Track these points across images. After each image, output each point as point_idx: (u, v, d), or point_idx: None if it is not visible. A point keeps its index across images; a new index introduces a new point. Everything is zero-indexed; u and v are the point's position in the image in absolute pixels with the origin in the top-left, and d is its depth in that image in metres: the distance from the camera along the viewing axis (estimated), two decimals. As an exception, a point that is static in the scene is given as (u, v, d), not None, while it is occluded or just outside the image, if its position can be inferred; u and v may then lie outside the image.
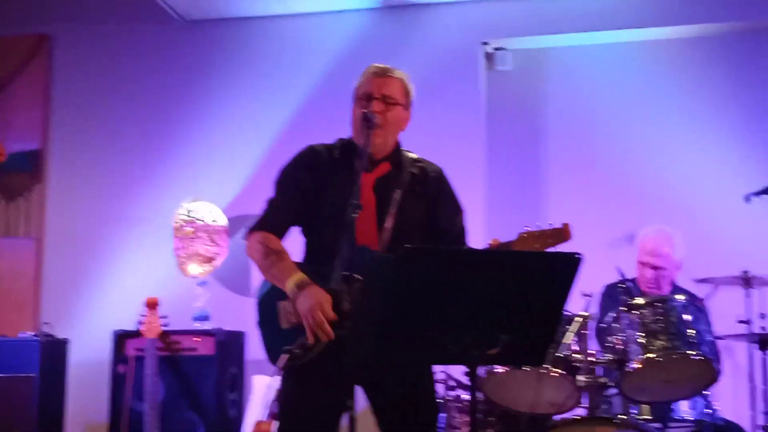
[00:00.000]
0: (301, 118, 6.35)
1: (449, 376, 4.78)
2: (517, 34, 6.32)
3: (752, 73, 6.05)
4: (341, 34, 6.44)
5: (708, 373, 4.15)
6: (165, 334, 5.41)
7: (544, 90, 6.39)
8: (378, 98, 3.41)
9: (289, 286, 3.24)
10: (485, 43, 6.36)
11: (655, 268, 5.07)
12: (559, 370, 4.19)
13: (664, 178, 6.01)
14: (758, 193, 5.15)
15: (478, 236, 5.87)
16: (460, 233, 3.53)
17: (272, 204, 3.51)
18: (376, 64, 3.52)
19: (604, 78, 6.27)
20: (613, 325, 4.29)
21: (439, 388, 4.71)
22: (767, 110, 5.98)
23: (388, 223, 3.35)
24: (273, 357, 3.32)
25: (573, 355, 4.22)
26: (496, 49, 6.40)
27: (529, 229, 3.42)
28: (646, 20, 6.10)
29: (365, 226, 3.30)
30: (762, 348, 4.67)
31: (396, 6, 6.41)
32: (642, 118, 6.14)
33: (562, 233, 3.36)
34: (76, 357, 6.04)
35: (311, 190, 3.44)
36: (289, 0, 6.35)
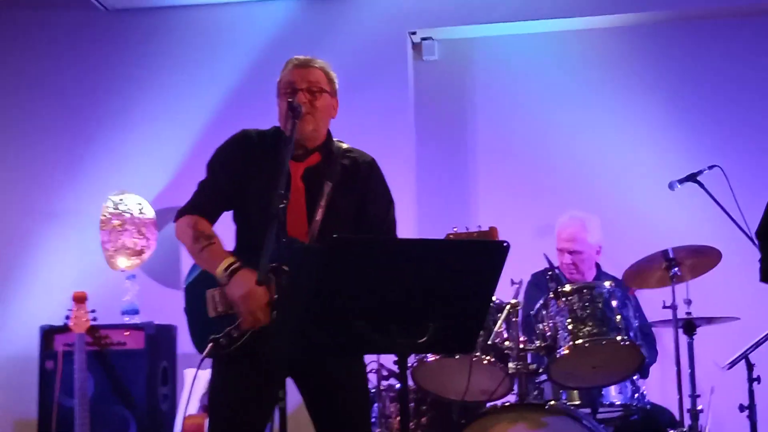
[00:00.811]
0: (228, 108, 6.29)
1: (382, 366, 4.78)
2: (444, 23, 6.33)
3: (674, 62, 6.14)
4: (268, 24, 6.39)
5: (635, 358, 4.22)
6: (93, 329, 5.33)
7: (471, 80, 6.42)
8: (303, 88, 3.40)
9: (219, 271, 3.22)
10: (412, 33, 6.37)
11: (572, 252, 5.15)
12: (490, 358, 4.22)
13: (591, 166, 6.08)
14: (682, 181, 5.24)
15: (407, 227, 5.93)
16: (390, 225, 3.53)
17: (203, 186, 3.49)
18: (297, 56, 3.52)
19: (530, 68, 6.32)
20: (541, 312, 4.33)
21: (372, 378, 4.72)
22: (690, 99, 6.08)
23: (318, 215, 3.34)
24: (199, 345, 3.30)
25: (503, 342, 4.26)
26: (423, 39, 6.41)
27: (456, 230, 3.44)
28: (571, 10, 6.15)
29: (295, 218, 3.28)
30: (687, 333, 4.75)
31: (323, -5, 6.41)
32: (568, 107, 6.21)
33: (489, 236, 3.39)
34: (3, 353, 5.94)
35: (242, 174, 3.42)
36: (216, -11, 6.31)
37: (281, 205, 2.99)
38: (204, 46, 6.45)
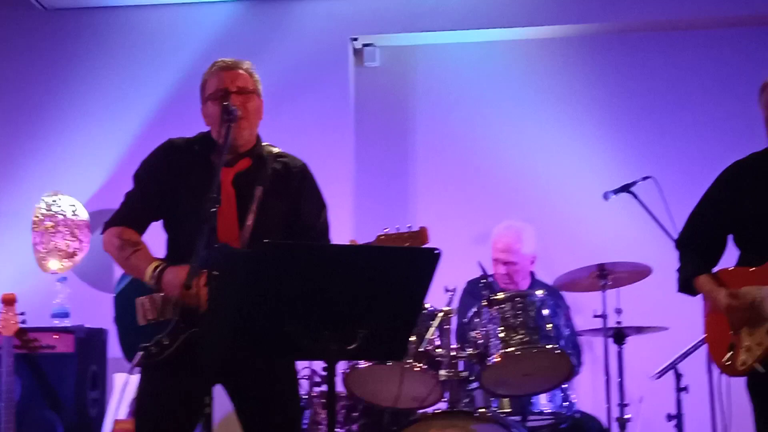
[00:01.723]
0: (165, 111, 6.24)
1: (314, 372, 4.77)
2: (386, 30, 6.34)
3: (611, 73, 6.22)
4: (208, 26, 6.35)
5: (565, 366, 4.25)
6: (22, 332, 5.23)
7: (412, 87, 6.45)
8: (235, 92, 3.37)
9: (147, 274, 3.20)
10: (354, 39, 6.37)
11: (506, 263, 5.17)
12: (422, 365, 4.23)
13: (528, 174, 6.13)
14: (616, 191, 5.31)
15: (345, 232, 5.92)
16: (323, 229, 3.51)
17: (130, 198, 3.46)
18: (221, 59, 3.49)
19: (470, 76, 6.35)
20: (474, 320, 4.35)
21: (304, 384, 4.71)
22: (625, 110, 6.16)
23: (249, 220, 3.31)
24: (129, 354, 3.26)
25: (435, 349, 4.27)
26: (365, 45, 6.42)
27: (387, 231, 3.43)
28: (514, 20, 6.21)
29: (226, 223, 3.26)
30: (617, 342, 4.81)
31: (265, -1, 6.38)
32: (507, 116, 6.25)
33: (419, 236, 3.39)
34: (-73, 356, 5.79)
35: (170, 184, 3.39)
36: (155, -10, 6.26)
37: (213, 209, 2.97)
38: (143, 47, 6.39)
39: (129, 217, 3.40)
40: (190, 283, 2.87)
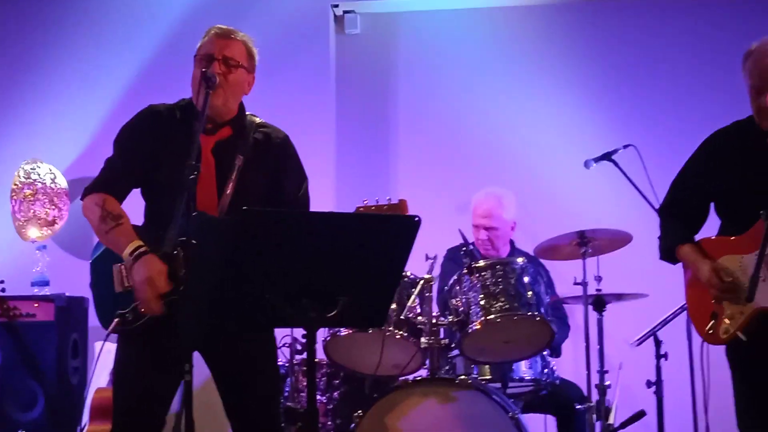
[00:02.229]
0: (144, 78, 6.20)
1: (296, 340, 4.77)
2: (367, -3, 6.32)
3: (593, 42, 6.21)
4: (186, -4, 6.31)
5: (545, 333, 4.27)
6: (2, 300, 5.22)
7: (393, 54, 6.42)
8: (219, 59, 3.33)
9: (125, 254, 3.17)
10: (335, 6, 6.34)
11: (487, 229, 5.17)
12: (403, 332, 4.25)
13: (509, 142, 6.13)
14: (597, 159, 5.30)
15: (326, 200, 5.92)
16: (303, 201, 3.48)
17: (110, 164, 3.41)
18: (219, 25, 3.44)
19: (451, 44, 6.33)
20: (455, 287, 4.35)
21: (286, 352, 4.71)
22: (607, 78, 6.15)
23: (228, 189, 3.29)
24: (105, 320, 3.25)
25: (416, 317, 4.28)
26: (346, 12, 6.38)
27: (366, 203, 3.42)
28: (493, -13, 6.20)
29: (205, 191, 3.24)
30: (597, 309, 4.83)
31: (245, -33, 6.32)
32: (488, 84, 6.24)
33: (398, 209, 3.38)
34: None
35: (150, 151, 3.35)
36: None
37: (192, 176, 2.95)
38: (122, 16, 6.33)
39: (109, 183, 3.36)
40: (170, 250, 2.84)
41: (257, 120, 3.49)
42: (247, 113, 3.48)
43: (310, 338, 2.81)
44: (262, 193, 3.39)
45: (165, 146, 3.34)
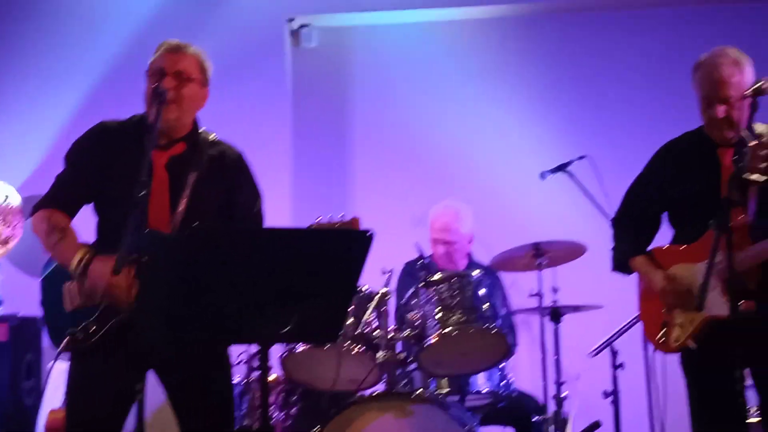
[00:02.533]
0: (97, 94, 6.15)
1: (252, 356, 4.73)
2: (323, 11, 6.31)
3: (548, 55, 6.25)
4: (142, 9, 6.27)
5: (502, 346, 4.27)
6: (-46, 321, 5.14)
7: (349, 67, 6.42)
8: (171, 74, 3.32)
9: (73, 264, 3.15)
10: (290, 20, 6.33)
11: (445, 243, 5.18)
12: (359, 347, 4.22)
13: (465, 156, 6.15)
14: (553, 171, 5.34)
15: (283, 215, 5.89)
16: (257, 219, 3.47)
17: (60, 180, 3.40)
18: (171, 40, 3.44)
19: (408, 57, 6.35)
20: (411, 301, 4.35)
21: (242, 369, 4.68)
22: (562, 91, 6.20)
23: (181, 205, 3.27)
24: (56, 339, 3.21)
25: (373, 331, 4.27)
26: (302, 26, 6.38)
27: (320, 220, 3.42)
28: (447, 1, 6.21)
29: (157, 208, 3.23)
30: (554, 320, 4.85)
31: (199, -19, 6.31)
32: (444, 97, 6.26)
33: (350, 226, 3.39)
34: None
35: (101, 166, 3.33)
36: (87, -28, 6.16)
37: (142, 193, 2.93)
38: (75, 30, 6.28)
39: (59, 199, 3.34)
40: (119, 268, 2.82)
41: (212, 137, 3.48)
42: (201, 129, 3.46)
43: (264, 355, 2.80)
44: (216, 210, 3.37)
45: (116, 161, 3.32)
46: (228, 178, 3.42)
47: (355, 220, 3.41)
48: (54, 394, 5.05)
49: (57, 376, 4.97)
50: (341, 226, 3.38)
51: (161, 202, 3.27)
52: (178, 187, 3.30)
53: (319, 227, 3.39)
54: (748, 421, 3.00)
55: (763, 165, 3.30)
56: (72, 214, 3.36)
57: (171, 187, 3.31)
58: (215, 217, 3.36)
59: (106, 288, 3.09)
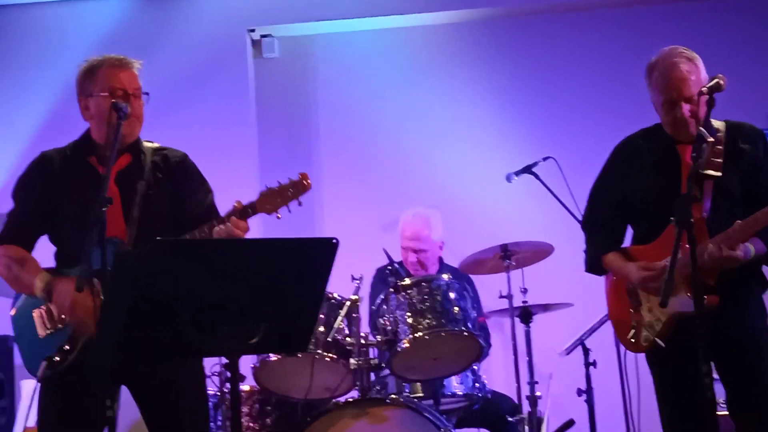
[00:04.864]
0: (56, 113, 6.09)
1: (225, 368, 4.71)
2: (283, 21, 6.32)
3: (512, 57, 6.29)
4: (100, 24, 6.25)
5: (474, 348, 4.28)
6: None
7: (312, 76, 6.43)
8: (133, 94, 3.36)
9: (37, 289, 3.19)
10: (251, 30, 6.33)
11: (416, 251, 5.19)
12: (332, 355, 4.22)
13: (431, 160, 6.17)
14: (518, 172, 5.38)
15: (252, 225, 5.85)
16: (209, 212, 3.46)
17: (12, 217, 3.45)
18: (115, 56, 3.46)
19: (370, 64, 6.37)
20: (382, 306, 4.35)
21: (216, 381, 4.66)
22: (524, 93, 6.23)
23: (135, 213, 3.30)
24: (34, 368, 3.21)
25: (345, 338, 4.27)
26: (263, 36, 6.38)
27: (269, 186, 3.41)
28: (410, 6, 6.24)
29: (112, 221, 3.20)
30: (524, 321, 4.87)
31: (157, -7, 6.29)
32: (408, 102, 6.28)
33: (300, 184, 3.37)
34: None
35: (48, 196, 3.38)
36: (43, -14, 6.12)
37: (104, 209, 2.93)
38: (30, 48, 6.27)
39: (13, 235, 3.40)
40: (82, 285, 2.82)
41: (155, 145, 3.53)
42: (143, 140, 3.49)
43: (233, 367, 2.78)
44: (169, 214, 3.41)
45: (63, 188, 3.37)
46: (175, 180, 3.47)
47: (303, 176, 3.39)
48: (30, 413, 5.03)
49: (30, 394, 4.97)
50: (291, 185, 3.36)
51: (115, 214, 3.28)
52: (129, 198, 3.34)
53: (270, 191, 3.38)
54: (717, 413, 3.01)
55: (719, 161, 3.35)
56: (30, 248, 3.41)
57: (122, 198, 3.34)
58: (169, 220, 3.40)
59: (70, 307, 3.10)
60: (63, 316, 3.19)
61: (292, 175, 3.40)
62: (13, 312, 3.38)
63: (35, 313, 3.26)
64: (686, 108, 3.37)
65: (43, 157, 3.47)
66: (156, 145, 3.51)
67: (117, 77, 3.37)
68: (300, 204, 3.37)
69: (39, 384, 3.24)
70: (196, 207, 3.45)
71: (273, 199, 3.36)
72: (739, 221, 3.26)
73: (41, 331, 3.24)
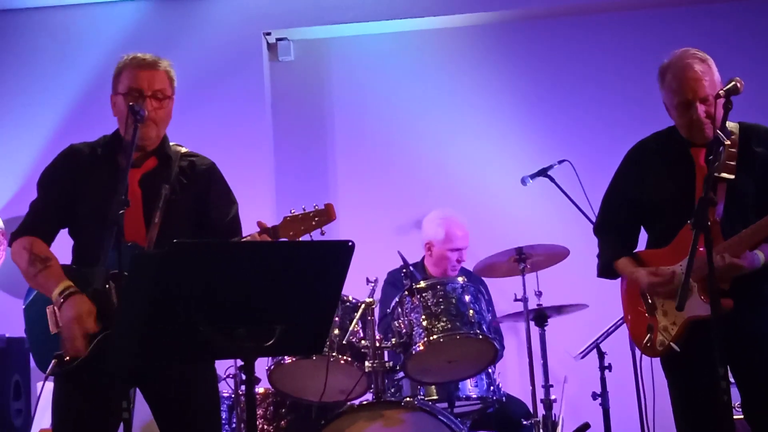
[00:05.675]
0: (77, 113, 6.15)
1: (240, 370, 4.72)
2: (299, 24, 6.33)
3: (526, 60, 6.28)
4: (118, 26, 6.28)
5: (489, 351, 4.28)
6: (-60, 344, 5.12)
7: (328, 79, 6.44)
8: (149, 95, 3.33)
9: (54, 295, 3.16)
10: (267, 34, 6.35)
11: (459, 251, 5.24)
12: (347, 357, 4.23)
13: (446, 163, 6.17)
14: (533, 176, 5.37)
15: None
16: (232, 226, 3.46)
17: (35, 207, 3.42)
18: (140, 55, 3.43)
19: (385, 67, 6.37)
20: (396, 310, 4.36)
21: (230, 383, 4.67)
22: (542, 96, 6.22)
23: (156, 219, 3.28)
24: (43, 364, 3.21)
25: (360, 341, 4.27)
26: (279, 39, 6.40)
27: (294, 212, 3.41)
28: (425, 10, 6.24)
29: (133, 224, 3.23)
30: (539, 324, 4.86)
31: (174, -4, 6.32)
32: (423, 105, 6.28)
33: (325, 213, 3.37)
34: None
35: (73, 189, 3.35)
36: (61, -10, 6.16)
37: (121, 212, 2.93)
38: (51, 49, 6.29)
39: (36, 226, 3.36)
40: (98, 288, 2.82)
41: (183, 149, 3.50)
42: (171, 143, 3.47)
43: (249, 369, 2.79)
44: (191, 221, 3.39)
45: (88, 183, 3.34)
46: (200, 187, 3.44)
47: (328, 207, 3.39)
48: (44, 415, 5.05)
49: (46, 396, 4.98)
50: (315, 214, 3.37)
51: (136, 217, 3.28)
52: (152, 201, 3.31)
53: (293, 218, 3.38)
54: (733, 418, 3.01)
55: (732, 163, 3.34)
56: (50, 240, 3.38)
57: (144, 202, 3.32)
58: (191, 228, 3.37)
59: (68, 324, 3.09)
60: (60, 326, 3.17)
61: (317, 203, 3.40)
62: (26, 305, 3.36)
63: (49, 309, 3.24)
64: (701, 109, 3.36)
65: (71, 150, 3.44)
66: (184, 149, 3.49)
67: (136, 77, 3.35)
68: (323, 234, 3.34)
69: (49, 382, 3.22)
70: (219, 217, 3.43)
71: (297, 226, 3.37)
72: (745, 229, 3.25)
73: (53, 328, 3.22)
